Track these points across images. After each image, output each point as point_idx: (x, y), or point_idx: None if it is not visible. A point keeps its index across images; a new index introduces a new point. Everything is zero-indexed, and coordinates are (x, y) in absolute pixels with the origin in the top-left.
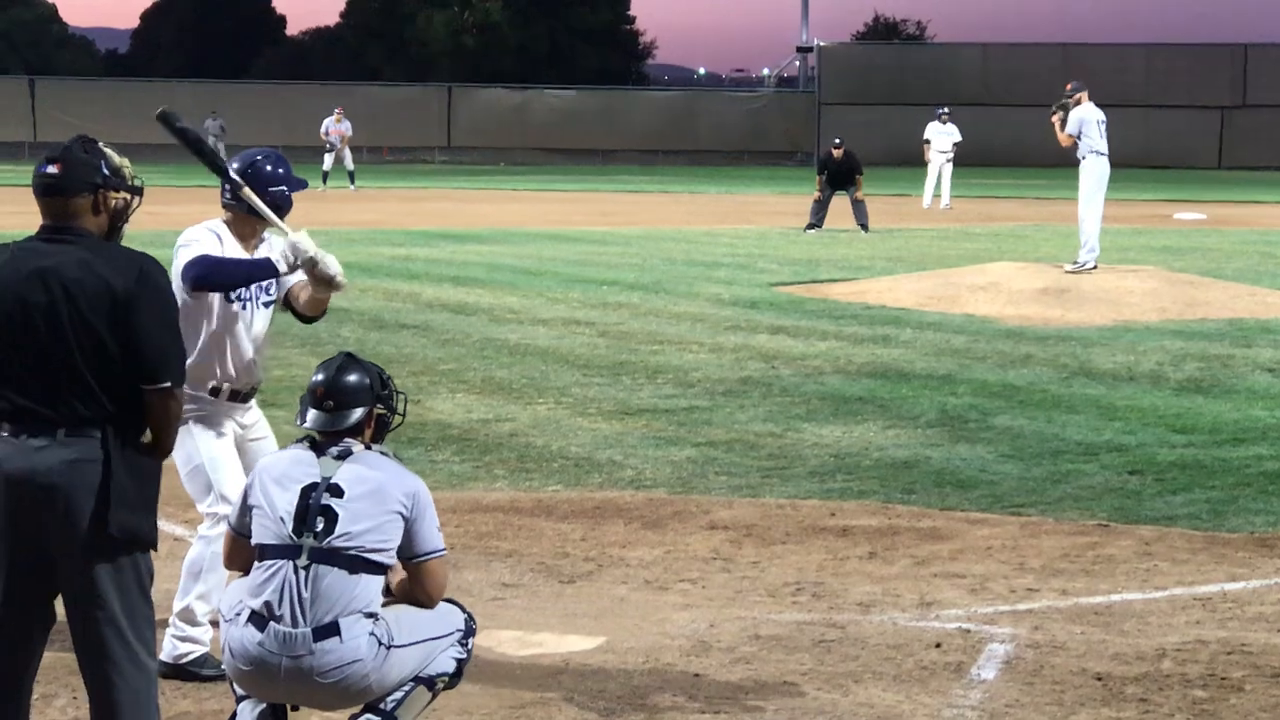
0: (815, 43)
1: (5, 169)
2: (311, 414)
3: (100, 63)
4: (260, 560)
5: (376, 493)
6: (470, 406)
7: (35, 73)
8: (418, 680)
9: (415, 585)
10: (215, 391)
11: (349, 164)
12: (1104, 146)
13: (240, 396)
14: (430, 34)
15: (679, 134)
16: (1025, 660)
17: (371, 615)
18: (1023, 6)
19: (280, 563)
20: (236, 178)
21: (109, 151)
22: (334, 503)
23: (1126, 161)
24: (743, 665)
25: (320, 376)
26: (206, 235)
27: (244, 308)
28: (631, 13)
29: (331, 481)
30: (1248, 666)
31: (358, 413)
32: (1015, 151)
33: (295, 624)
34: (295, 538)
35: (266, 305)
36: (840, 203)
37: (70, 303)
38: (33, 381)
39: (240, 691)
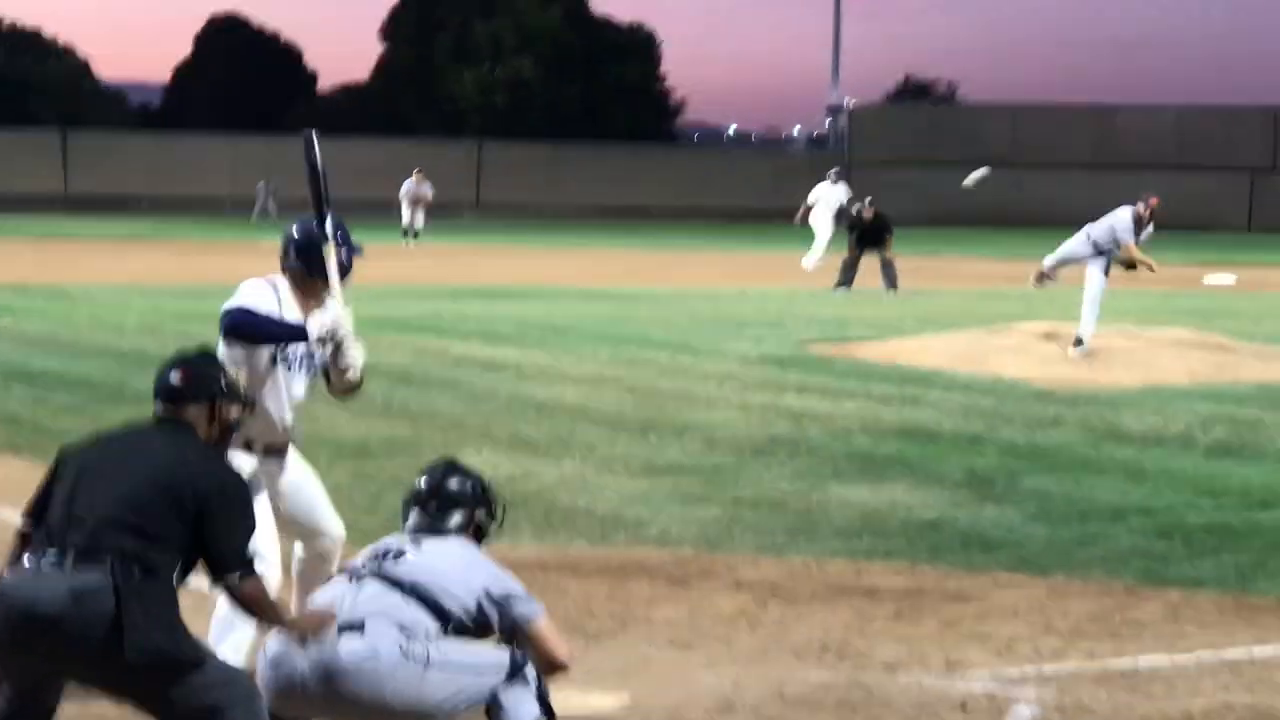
0: (847, 102)
1: (37, 221)
2: (413, 516)
3: (132, 116)
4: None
5: (462, 559)
6: (497, 463)
7: (67, 125)
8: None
9: (534, 653)
10: (249, 445)
11: (420, 223)
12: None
13: (275, 451)
14: (461, 90)
15: (709, 192)
16: None
17: (407, 633)
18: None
19: (340, 581)
20: (329, 229)
21: (227, 366)
22: (409, 547)
23: (1159, 223)
24: None
25: (424, 480)
26: (262, 287)
27: (288, 369)
28: (662, 71)
29: (416, 538)
30: None
31: (457, 516)
32: (1045, 212)
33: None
34: (362, 568)
35: (308, 371)
36: (870, 262)
37: (152, 475)
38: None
39: None
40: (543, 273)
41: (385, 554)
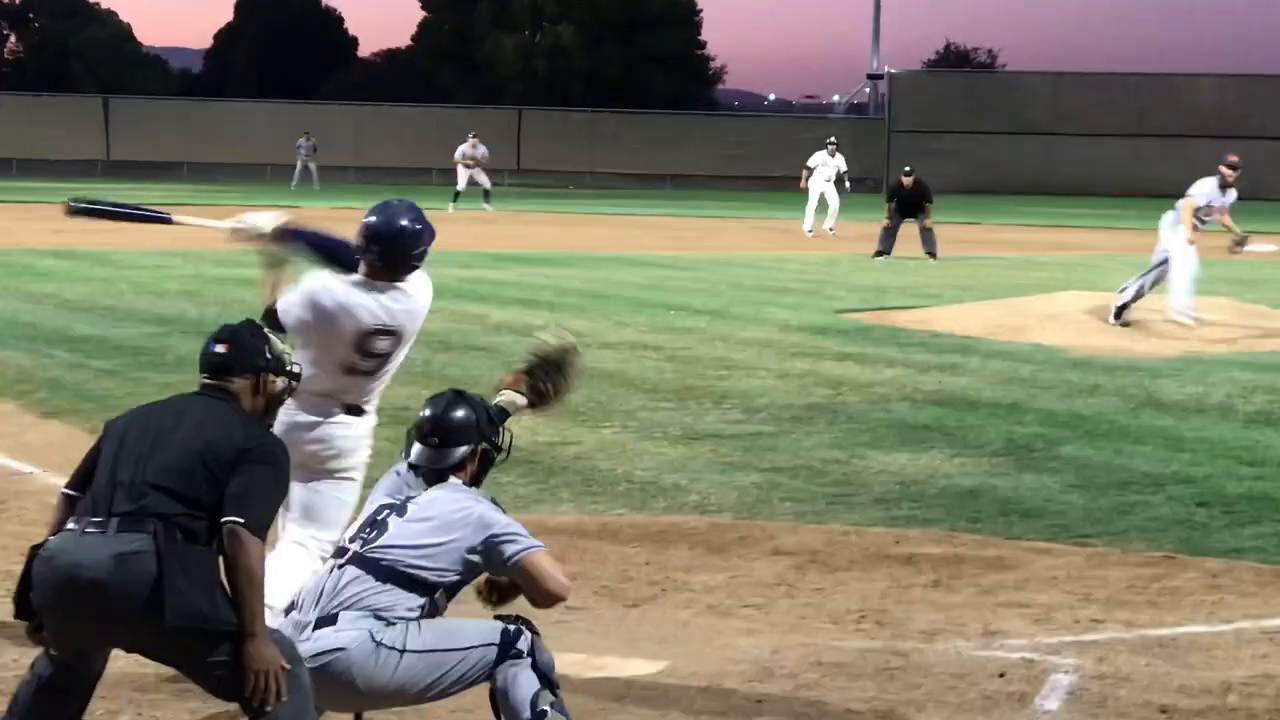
0: (886, 70)
1: (79, 187)
2: (416, 449)
3: (173, 82)
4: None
5: (440, 522)
6: (536, 429)
7: (108, 91)
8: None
9: (525, 591)
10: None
11: (486, 183)
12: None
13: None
14: (500, 57)
15: (749, 160)
16: (1089, 692)
17: (383, 619)
18: (1095, 35)
19: (331, 563)
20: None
21: (273, 338)
22: (392, 519)
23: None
24: (805, 692)
25: (428, 412)
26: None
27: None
28: (702, 38)
29: (405, 501)
30: None
31: (461, 450)
32: (1085, 180)
33: (305, 613)
34: (349, 544)
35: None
36: (909, 230)
37: (195, 443)
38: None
39: None
40: (582, 240)
41: (372, 526)
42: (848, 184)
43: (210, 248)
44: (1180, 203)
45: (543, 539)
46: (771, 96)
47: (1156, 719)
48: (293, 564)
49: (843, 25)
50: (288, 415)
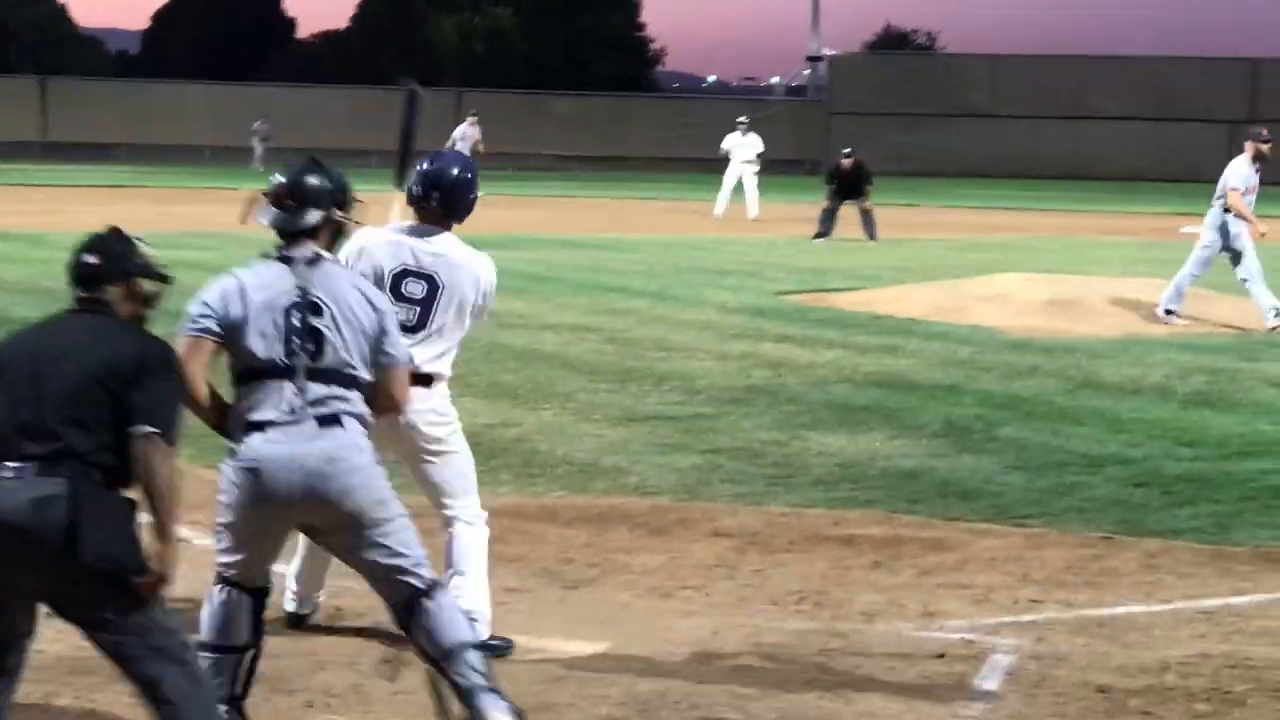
0: (825, 52)
1: (16, 168)
2: (272, 213)
3: (111, 63)
4: (249, 381)
5: (350, 316)
6: (476, 411)
7: (45, 72)
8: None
9: (382, 390)
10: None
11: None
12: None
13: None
14: (440, 38)
15: (688, 141)
16: (1028, 672)
17: (365, 425)
18: (1033, 18)
19: (275, 382)
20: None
21: (139, 243)
22: (318, 323)
23: (1137, 175)
24: (745, 673)
25: (282, 177)
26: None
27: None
28: (642, 20)
29: (310, 299)
30: (1251, 680)
31: (314, 214)
32: (1023, 162)
33: (300, 420)
34: (286, 359)
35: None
36: (849, 212)
37: (85, 365)
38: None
39: (229, 558)
40: (522, 221)
41: (305, 344)
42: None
43: (148, 229)
44: (1222, 199)
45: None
46: (711, 78)
47: (1094, 698)
48: (468, 543)
49: (782, 7)
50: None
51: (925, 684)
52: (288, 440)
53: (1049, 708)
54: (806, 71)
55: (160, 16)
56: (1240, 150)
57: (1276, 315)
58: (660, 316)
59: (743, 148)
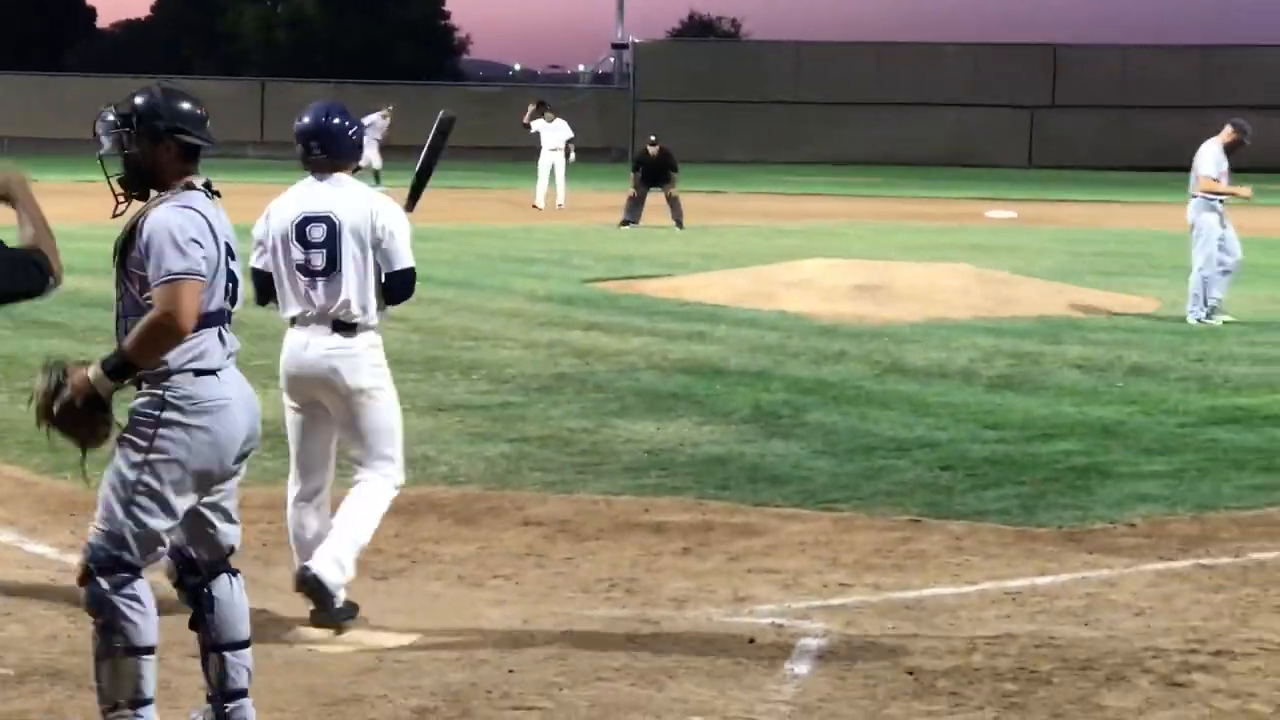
0: (630, 40)
1: None
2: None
3: None
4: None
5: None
6: (280, 402)
7: None
8: None
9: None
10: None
11: (376, 164)
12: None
13: None
14: (242, 28)
15: (493, 130)
16: (838, 655)
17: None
18: (834, 6)
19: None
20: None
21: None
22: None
23: (940, 160)
24: (557, 661)
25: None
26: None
27: None
28: (446, 8)
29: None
30: (1056, 659)
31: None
32: (827, 149)
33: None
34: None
35: None
36: (656, 199)
37: None
38: None
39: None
40: None
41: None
42: (573, 154)
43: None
44: (1197, 186)
45: (289, 512)
46: (517, 66)
47: (903, 680)
48: (371, 496)
49: None
50: (293, 349)
51: (736, 669)
52: None
53: (858, 690)
54: (612, 59)
55: None
56: (1212, 135)
57: (1197, 319)
58: (467, 305)
59: (550, 134)
